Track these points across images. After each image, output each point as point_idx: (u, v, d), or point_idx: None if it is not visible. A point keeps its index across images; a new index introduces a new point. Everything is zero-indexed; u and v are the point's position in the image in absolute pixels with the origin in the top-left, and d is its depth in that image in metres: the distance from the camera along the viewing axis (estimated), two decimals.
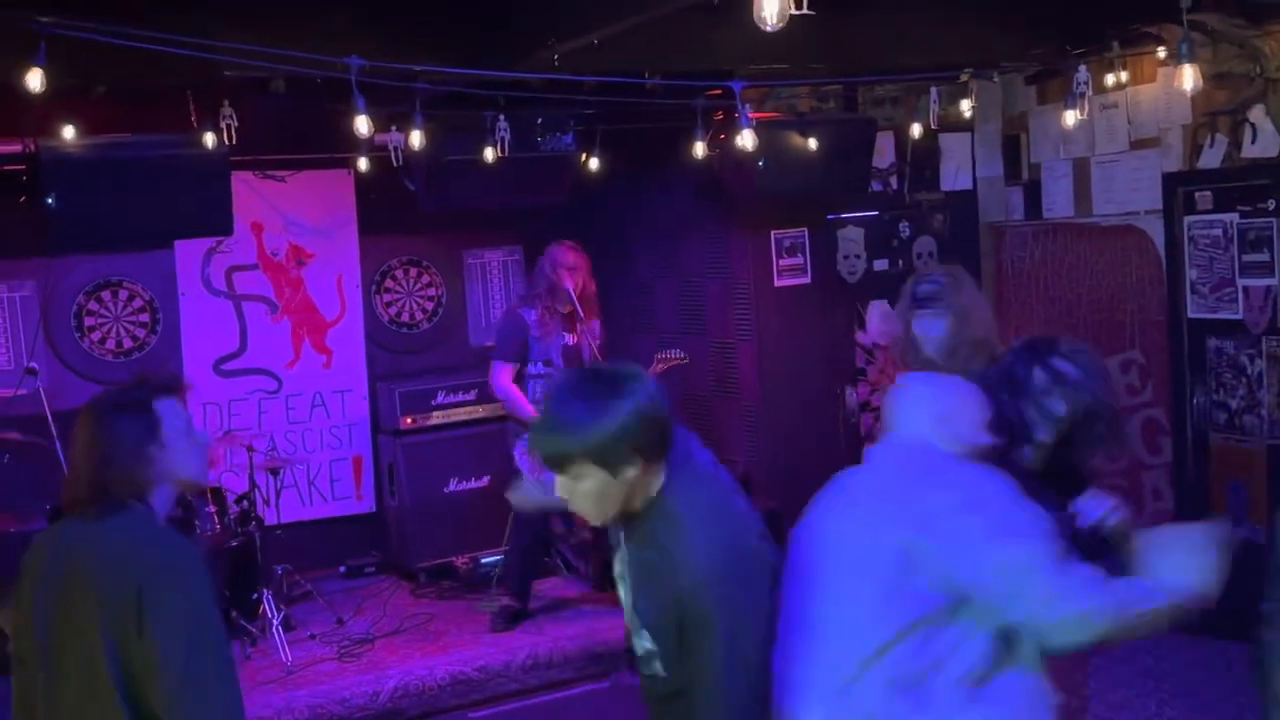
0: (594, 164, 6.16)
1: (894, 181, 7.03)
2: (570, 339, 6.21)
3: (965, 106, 5.81)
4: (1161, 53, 5.75)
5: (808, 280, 6.79)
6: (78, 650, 2.55)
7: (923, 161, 7.05)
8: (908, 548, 2.49)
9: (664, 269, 7.44)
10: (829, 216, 6.84)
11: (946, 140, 7.02)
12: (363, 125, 3.98)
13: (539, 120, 5.59)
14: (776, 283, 6.72)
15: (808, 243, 6.78)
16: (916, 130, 6.05)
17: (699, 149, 5.54)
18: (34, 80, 3.63)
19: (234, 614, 5.89)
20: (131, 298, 6.95)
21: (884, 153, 6.86)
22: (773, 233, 6.70)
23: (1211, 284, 6.00)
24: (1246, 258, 5.82)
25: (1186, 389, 6.18)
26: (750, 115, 4.64)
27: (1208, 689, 5.51)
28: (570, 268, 6.04)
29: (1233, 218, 5.87)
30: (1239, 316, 5.89)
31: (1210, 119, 5.96)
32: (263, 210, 7.17)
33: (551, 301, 6.06)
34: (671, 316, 7.35)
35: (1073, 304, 6.80)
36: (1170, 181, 6.17)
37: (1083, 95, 5.01)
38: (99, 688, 2.53)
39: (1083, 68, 5.06)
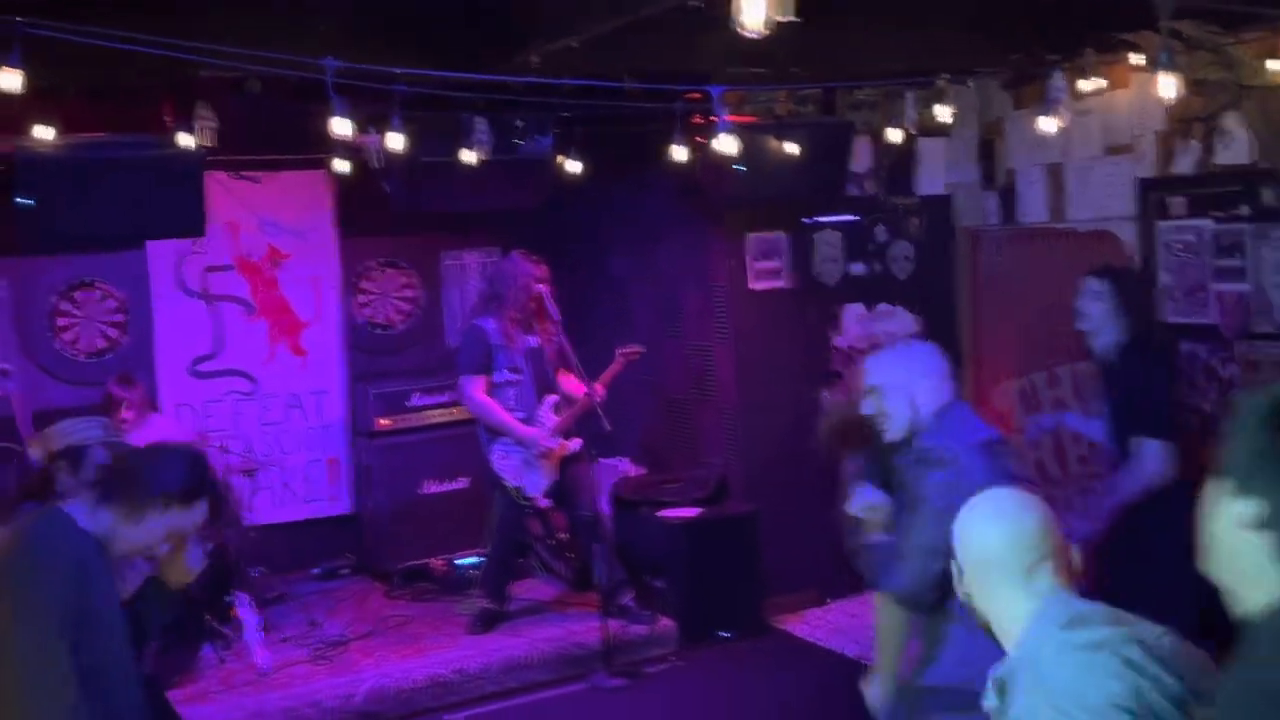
0: (572, 166, 6.15)
1: (871, 186, 7.06)
2: (533, 341, 6.24)
3: (942, 111, 5.83)
4: (1136, 59, 5.79)
5: (784, 284, 6.80)
6: None
7: (899, 166, 7.08)
8: None
9: (641, 272, 7.45)
10: (806, 220, 6.86)
11: (923, 145, 7.05)
12: (341, 127, 3.97)
13: (518, 122, 5.58)
14: (753, 286, 6.74)
15: (785, 246, 6.79)
16: (894, 135, 6.07)
17: (677, 152, 5.55)
18: (11, 81, 3.60)
19: (207, 617, 5.86)
20: (105, 298, 6.90)
21: (861, 157, 6.88)
22: (750, 236, 6.72)
23: (1185, 289, 6.05)
24: (1219, 263, 5.87)
25: None
26: (728, 119, 4.64)
27: None
28: (540, 279, 6.09)
29: (1206, 223, 5.92)
30: (1211, 321, 5.94)
31: (1184, 125, 6.01)
32: (238, 211, 7.13)
33: (516, 311, 6.09)
34: (648, 319, 7.36)
35: (1047, 308, 6.83)
36: (1144, 187, 6.22)
37: (1058, 101, 5.04)
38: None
39: (1058, 75, 5.09)
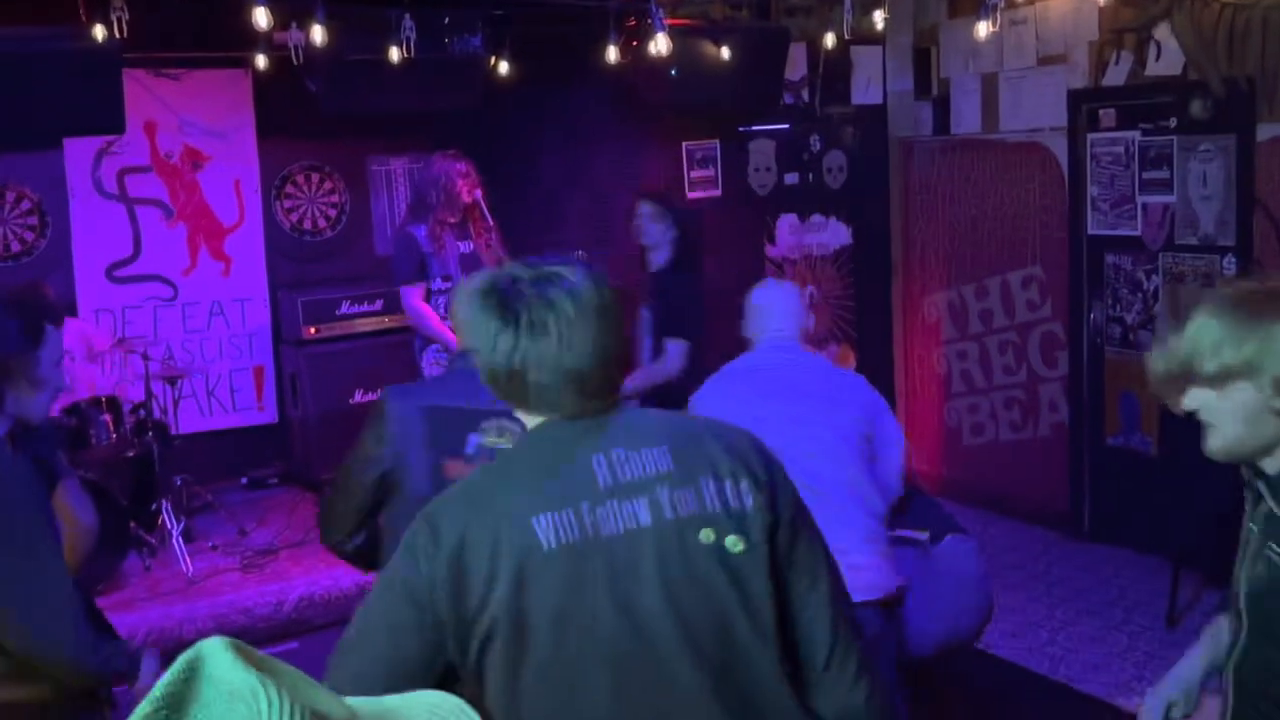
0: (503, 69, 6.02)
1: (805, 94, 7.01)
2: (466, 247, 6.11)
3: (878, 18, 5.80)
4: None
5: (719, 193, 6.77)
6: None
7: (834, 75, 7.04)
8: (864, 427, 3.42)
9: (574, 179, 7.35)
10: (741, 129, 6.80)
11: (858, 53, 7.01)
12: (261, 18, 3.83)
13: (445, 20, 5.44)
14: (688, 195, 6.69)
15: (719, 155, 6.75)
16: (829, 41, 6.02)
17: (611, 54, 5.45)
18: None
19: (132, 525, 5.77)
20: (19, 199, 6.66)
21: (796, 64, 6.83)
22: (684, 144, 6.66)
23: (1112, 200, 6.12)
24: (1146, 175, 5.93)
25: (1084, 304, 6.33)
26: (664, 20, 4.56)
27: (1094, 594, 5.73)
28: (464, 175, 5.89)
29: (1134, 135, 5.97)
30: (1137, 233, 6.02)
31: (1116, 36, 6.03)
32: (156, 109, 6.89)
33: (445, 214, 5.92)
34: (580, 227, 7.28)
35: (977, 220, 6.90)
36: (1075, 98, 6.25)
37: (996, 8, 5.02)
38: None
39: None
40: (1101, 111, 6.15)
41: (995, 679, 4.95)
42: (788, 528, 1.85)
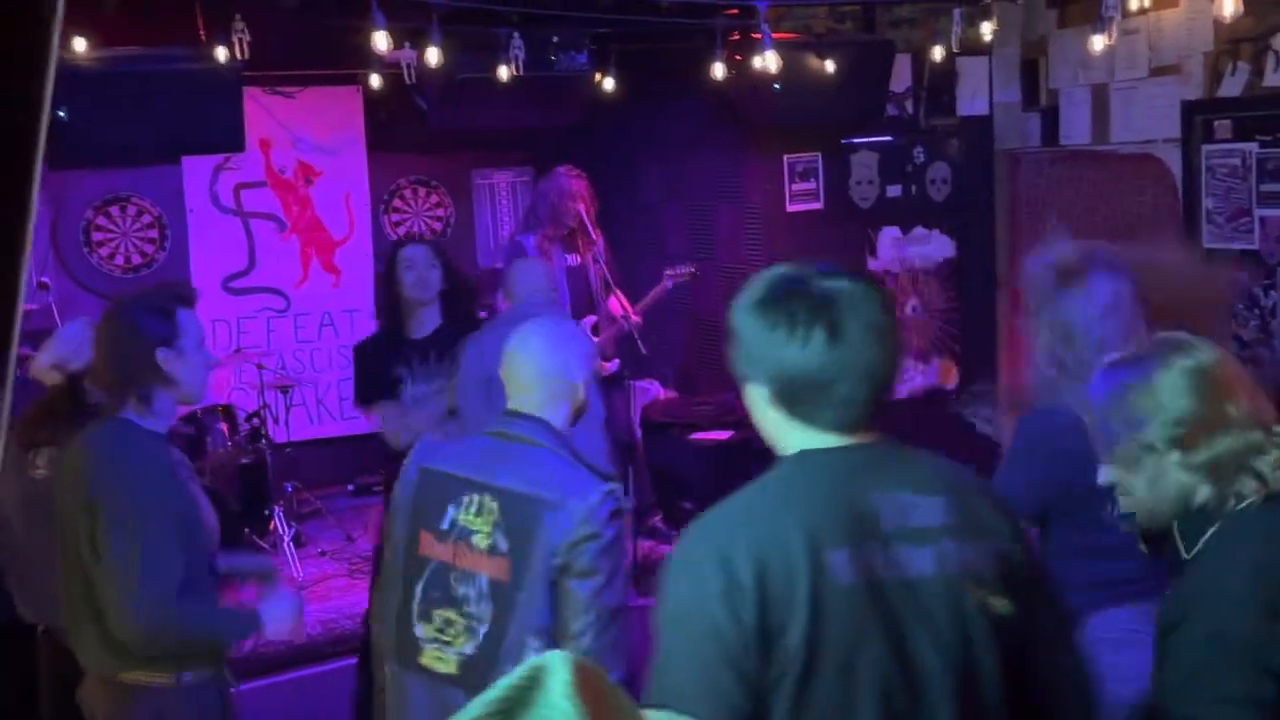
0: (608, 84, 6.08)
1: (909, 106, 6.95)
2: (574, 260, 6.18)
3: (985, 29, 5.72)
4: None
5: (820, 206, 6.73)
6: (67, 551, 2.68)
7: (939, 86, 6.96)
8: None
9: (674, 192, 7.39)
10: (843, 141, 6.77)
11: (964, 64, 6.92)
12: (381, 40, 3.92)
13: (554, 39, 5.51)
14: (788, 208, 6.67)
15: (821, 168, 6.71)
16: (937, 53, 5.96)
17: (716, 70, 5.47)
18: None
19: (246, 530, 5.94)
20: (140, 213, 6.92)
21: (900, 76, 6.76)
22: (785, 157, 6.64)
23: (1228, 214, 5.96)
24: (1264, 187, 5.77)
25: None
26: (772, 35, 4.57)
27: None
28: (580, 196, 5.99)
29: (1252, 147, 5.81)
30: (1255, 247, 5.86)
31: (1233, 46, 5.88)
32: (271, 127, 7.10)
33: (552, 228, 6.02)
34: (681, 240, 7.31)
35: (1087, 233, 6.75)
36: (1189, 109, 6.10)
37: (1111, 19, 4.93)
38: (76, 596, 2.66)
39: None
40: (1217, 123, 5.99)
41: None
42: (1032, 584, 1.86)
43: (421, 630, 2.57)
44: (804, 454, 1.79)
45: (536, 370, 2.59)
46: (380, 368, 4.42)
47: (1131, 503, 1.97)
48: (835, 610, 1.65)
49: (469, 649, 2.50)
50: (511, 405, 2.62)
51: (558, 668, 0.96)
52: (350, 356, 7.40)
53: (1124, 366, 2.01)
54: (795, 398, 1.76)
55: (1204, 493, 1.91)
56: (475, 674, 2.46)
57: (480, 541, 2.51)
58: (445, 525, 2.55)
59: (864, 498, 1.73)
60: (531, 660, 0.97)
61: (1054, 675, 1.86)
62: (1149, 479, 1.93)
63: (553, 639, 2.42)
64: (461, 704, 2.53)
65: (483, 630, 2.49)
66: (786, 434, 1.81)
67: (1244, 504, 1.89)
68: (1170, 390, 1.90)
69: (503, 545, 2.48)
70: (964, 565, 1.75)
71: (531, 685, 0.95)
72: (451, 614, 2.53)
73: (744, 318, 1.78)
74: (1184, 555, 1.93)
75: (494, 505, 2.50)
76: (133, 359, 2.67)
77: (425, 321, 4.55)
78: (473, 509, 2.52)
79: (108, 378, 2.71)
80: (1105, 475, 1.99)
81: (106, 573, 2.55)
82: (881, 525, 1.72)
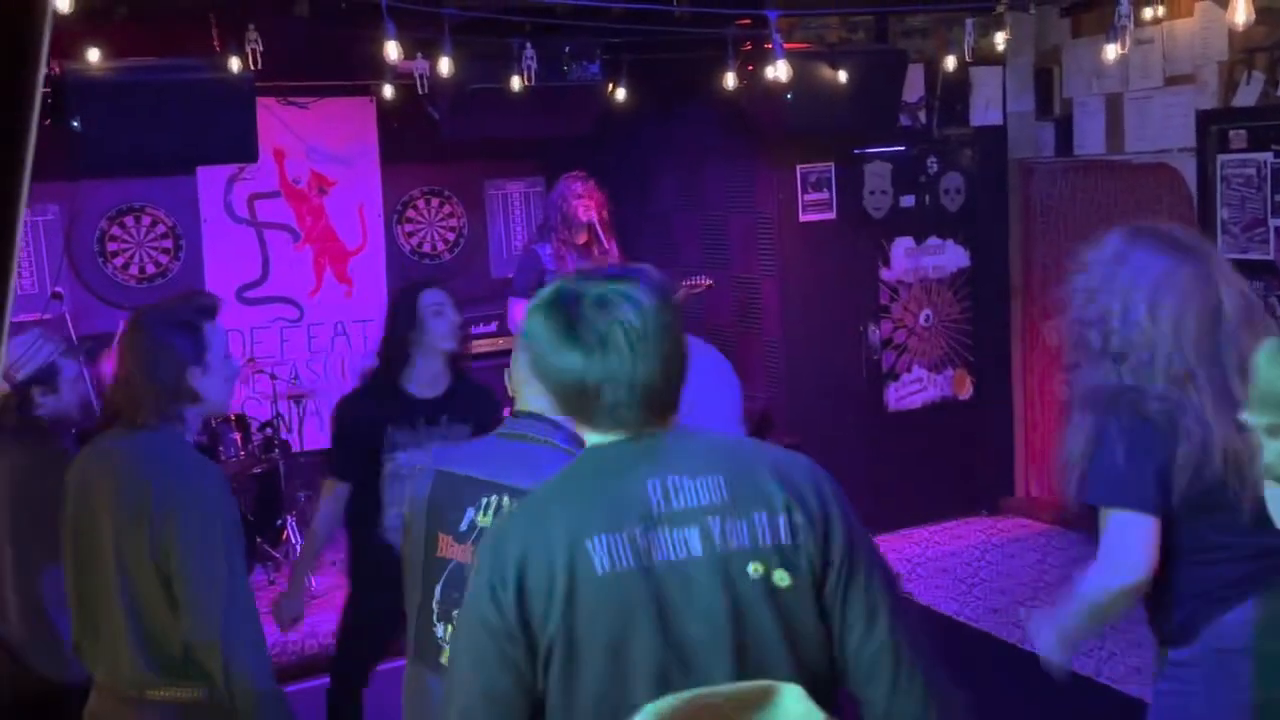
0: (620, 94, 6.09)
1: (922, 116, 6.93)
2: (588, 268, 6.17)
3: (998, 39, 5.72)
4: None
5: (833, 215, 6.72)
6: (97, 562, 2.62)
7: (952, 96, 6.95)
8: None
9: (687, 202, 7.39)
10: (856, 151, 6.76)
11: (977, 74, 6.91)
12: (393, 51, 3.93)
13: (566, 49, 5.52)
14: (801, 218, 6.66)
15: (834, 178, 6.71)
16: (950, 63, 5.95)
17: (728, 80, 5.46)
18: (60, 2, 3.59)
19: (259, 540, 5.94)
20: (154, 224, 6.95)
21: (913, 86, 6.75)
22: (798, 167, 6.63)
23: (1243, 224, 5.93)
24: (1279, 197, 5.74)
25: None
26: (784, 45, 4.56)
27: None
28: (580, 196, 5.97)
29: (1267, 157, 5.78)
30: (1270, 257, 5.82)
31: (1247, 55, 5.85)
32: (285, 137, 7.13)
33: (565, 234, 6.01)
34: (694, 250, 7.31)
35: None
36: (1204, 119, 6.08)
37: (1124, 29, 4.91)
38: (108, 609, 2.60)
39: (1125, 1, 4.96)
40: (1232, 132, 5.96)
41: (1114, 713, 4.81)
42: (842, 566, 1.82)
43: (441, 630, 2.59)
44: (589, 449, 1.88)
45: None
46: (373, 433, 3.90)
47: None
48: (594, 597, 1.73)
49: None
50: (519, 405, 2.64)
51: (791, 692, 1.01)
52: (362, 367, 7.45)
53: None
54: (570, 403, 1.85)
55: None
56: None
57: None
58: (464, 527, 2.56)
59: (636, 486, 1.79)
60: (761, 682, 1.01)
61: (863, 658, 1.83)
62: None
63: None
64: None
65: None
66: (580, 432, 1.91)
67: None
68: None
69: None
70: (739, 542, 1.77)
71: (768, 690, 0.98)
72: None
73: (529, 327, 1.87)
74: None
75: (511, 506, 2.51)
76: (164, 379, 2.63)
77: (438, 378, 4.04)
78: (490, 510, 2.54)
79: (140, 394, 2.65)
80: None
81: (190, 588, 2.51)
82: (651, 511, 1.77)
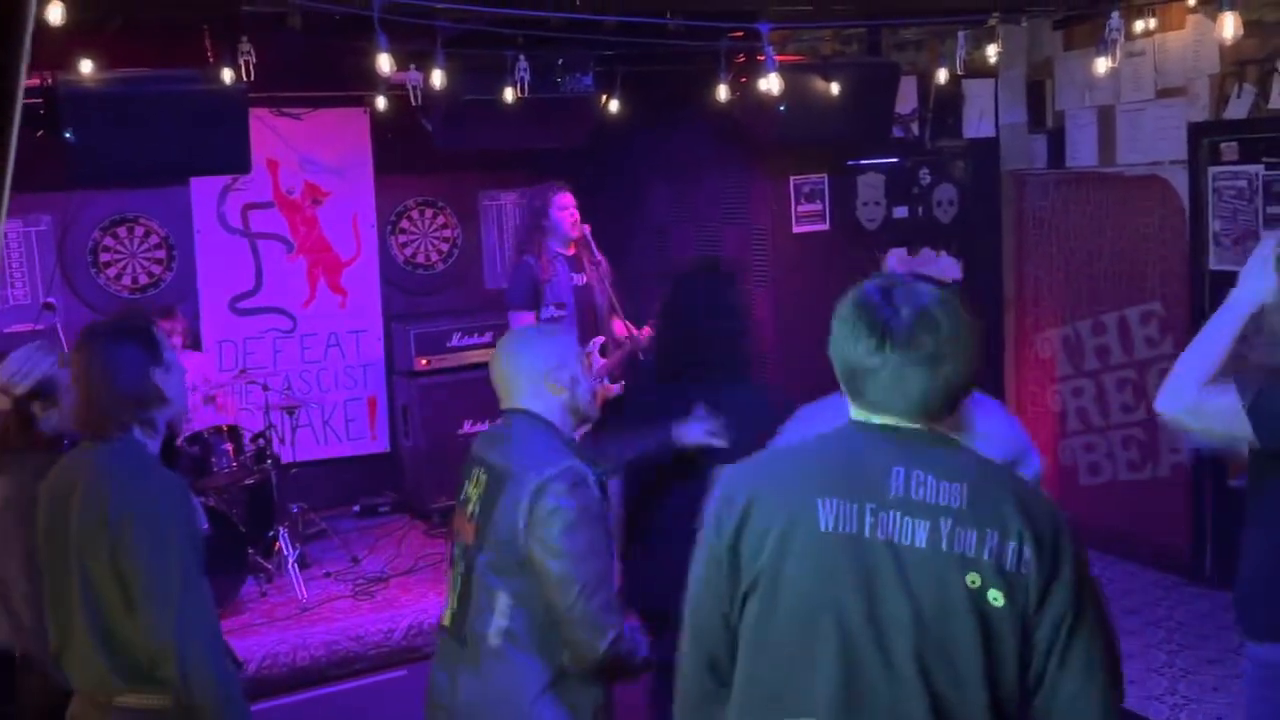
0: (613, 106, 6.09)
1: (915, 128, 6.95)
2: (580, 279, 6.16)
3: (991, 51, 5.72)
4: (1191, 0, 5.66)
5: (826, 227, 6.73)
6: (66, 572, 2.66)
7: (945, 108, 6.96)
8: None
9: (681, 214, 7.39)
10: (849, 162, 6.77)
11: (970, 86, 6.93)
12: (385, 63, 3.93)
13: (559, 61, 5.52)
14: (794, 229, 6.67)
15: (827, 189, 6.72)
16: (942, 75, 5.96)
17: (721, 92, 5.47)
18: (53, 13, 3.59)
19: (250, 551, 5.93)
20: (148, 234, 6.94)
21: (906, 98, 6.77)
22: (791, 178, 6.64)
23: (1235, 236, 5.95)
24: (1271, 209, 5.75)
25: None
26: (775, 58, 4.57)
27: (1216, 641, 5.54)
28: (565, 209, 5.96)
29: (1258, 169, 5.80)
30: None
31: (1239, 68, 5.88)
32: (278, 148, 7.13)
33: (550, 242, 5.98)
34: (687, 261, 7.30)
35: (1094, 254, 6.75)
36: (1196, 131, 6.10)
37: (1115, 42, 4.93)
38: (75, 616, 2.64)
39: (1115, 14, 4.98)
40: (1223, 145, 5.98)
41: None
42: (1065, 613, 1.85)
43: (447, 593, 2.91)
44: (851, 422, 2.00)
45: (506, 370, 2.86)
46: None
47: None
48: (808, 548, 1.86)
49: (453, 603, 2.82)
50: (503, 405, 2.88)
51: None
52: (356, 378, 7.47)
53: None
54: (845, 381, 1.99)
55: None
56: (456, 625, 2.78)
57: (469, 509, 2.80)
58: (461, 498, 2.86)
59: (882, 468, 1.89)
60: None
61: (1058, 701, 1.85)
62: None
63: (547, 614, 2.64)
64: (452, 651, 2.69)
65: (458, 588, 2.80)
66: (850, 406, 2.02)
67: None
68: None
69: (477, 511, 2.76)
70: (960, 546, 1.83)
71: None
72: (452, 575, 2.87)
73: (840, 306, 2.02)
74: None
75: (484, 478, 2.77)
76: (132, 385, 2.67)
77: None
78: (472, 483, 2.82)
79: (101, 408, 2.67)
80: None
81: (143, 589, 2.54)
82: (888, 493, 1.87)
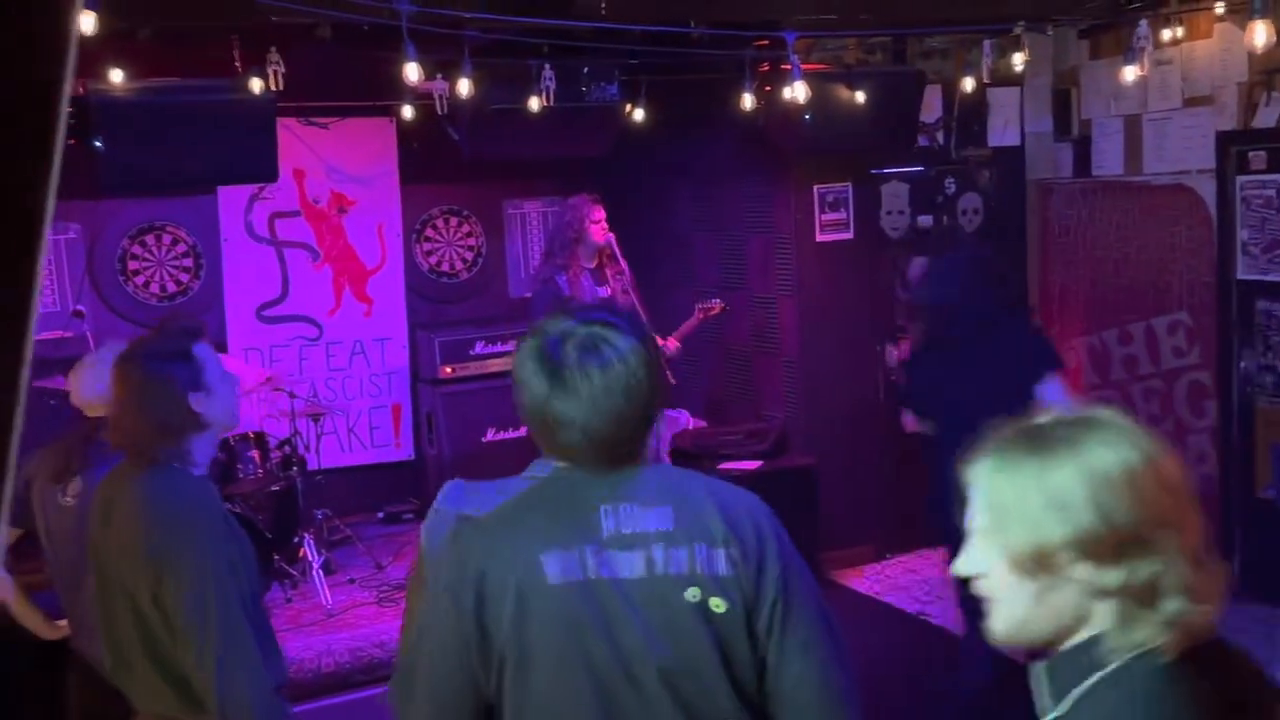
0: (638, 115, 6.11)
1: (940, 136, 6.94)
2: (604, 291, 6.17)
3: (1016, 60, 5.71)
4: (1219, 8, 5.63)
5: (850, 235, 6.72)
6: (114, 593, 2.62)
7: (970, 116, 6.95)
8: None
9: (705, 222, 7.40)
10: (873, 171, 6.76)
11: (995, 95, 6.91)
12: (412, 72, 3.96)
13: (585, 70, 5.54)
14: (818, 238, 6.66)
15: (851, 198, 6.71)
16: (968, 84, 5.95)
17: (746, 101, 5.48)
18: (85, 22, 3.63)
19: (276, 558, 5.96)
20: (175, 242, 6.99)
21: (931, 107, 6.76)
22: (815, 187, 6.63)
23: (1263, 245, 5.91)
24: None
25: (1234, 352, 6.10)
26: (801, 66, 4.57)
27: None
28: (596, 221, 5.97)
29: None
30: None
31: (1267, 76, 5.84)
32: (305, 157, 7.18)
33: (580, 257, 5.98)
34: (712, 270, 7.32)
35: (1120, 264, 6.72)
36: (1223, 140, 6.06)
37: (1142, 50, 4.91)
38: (130, 640, 2.60)
39: (1143, 22, 4.96)
40: (1251, 153, 5.95)
41: None
42: (776, 601, 1.95)
43: None
44: (553, 474, 2.03)
45: None
46: None
47: (1005, 615, 1.52)
48: (545, 606, 1.89)
49: None
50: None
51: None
52: (380, 385, 7.50)
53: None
54: (533, 427, 1.99)
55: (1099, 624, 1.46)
56: None
57: None
58: None
59: (590, 511, 1.94)
60: None
61: (783, 683, 1.96)
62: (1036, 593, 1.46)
63: None
64: None
65: None
66: (546, 455, 2.05)
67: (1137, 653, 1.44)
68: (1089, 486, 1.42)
69: None
70: (675, 567, 1.92)
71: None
72: None
73: (518, 349, 2.01)
74: (1051, 709, 1.53)
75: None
76: (168, 412, 2.60)
77: None
78: None
79: (140, 431, 2.61)
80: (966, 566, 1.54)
81: (183, 630, 2.49)
82: (602, 533, 1.93)
